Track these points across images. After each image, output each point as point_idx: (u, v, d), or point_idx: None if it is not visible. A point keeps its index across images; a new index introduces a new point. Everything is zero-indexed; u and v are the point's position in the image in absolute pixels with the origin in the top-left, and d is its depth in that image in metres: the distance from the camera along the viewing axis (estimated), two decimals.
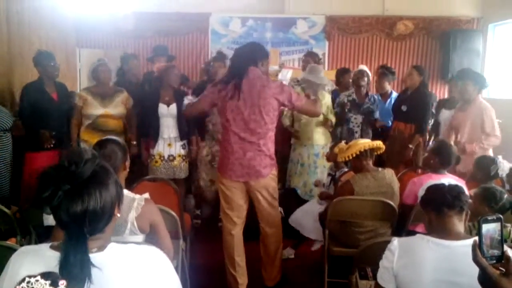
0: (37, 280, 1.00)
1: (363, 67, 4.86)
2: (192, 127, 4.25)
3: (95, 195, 1.16)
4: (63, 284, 1.01)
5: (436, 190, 1.83)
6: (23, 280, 1.01)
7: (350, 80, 5.11)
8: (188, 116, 3.51)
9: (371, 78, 4.85)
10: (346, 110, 4.65)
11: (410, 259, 1.68)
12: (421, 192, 1.95)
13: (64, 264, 1.10)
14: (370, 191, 2.92)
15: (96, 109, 4.00)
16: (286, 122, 4.49)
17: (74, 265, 1.10)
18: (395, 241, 1.75)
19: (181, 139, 4.19)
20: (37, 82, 4.02)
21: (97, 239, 1.23)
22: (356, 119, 4.69)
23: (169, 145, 4.15)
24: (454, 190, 1.78)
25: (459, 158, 3.11)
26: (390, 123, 4.93)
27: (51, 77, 4.02)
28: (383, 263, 1.76)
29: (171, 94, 4.13)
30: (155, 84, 4.26)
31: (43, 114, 3.93)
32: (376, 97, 4.85)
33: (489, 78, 4.10)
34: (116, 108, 4.07)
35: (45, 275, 1.03)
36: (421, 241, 1.71)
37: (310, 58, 5.06)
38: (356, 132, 4.65)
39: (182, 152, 4.22)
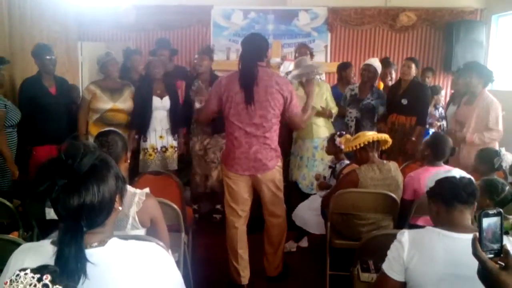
0: (26, 274, 1.00)
1: (372, 61, 4.70)
2: (180, 119, 4.27)
3: (93, 189, 1.15)
4: (46, 278, 1.01)
5: (448, 184, 1.78)
6: (14, 273, 1.01)
7: (352, 75, 5.09)
8: (202, 121, 3.44)
9: (379, 72, 4.75)
10: (346, 104, 4.63)
11: (421, 252, 1.66)
12: (429, 183, 1.88)
13: (59, 257, 1.10)
14: (374, 183, 2.93)
15: (105, 103, 4.01)
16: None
17: (69, 259, 1.09)
18: (406, 233, 1.73)
19: (172, 131, 4.23)
20: (35, 77, 4.01)
21: (98, 233, 1.23)
22: (351, 113, 4.65)
23: (160, 137, 4.18)
24: (469, 187, 1.75)
25: (454, 149, 3.11)
26: None
27: (47, 71, 3.99)
28: (392, 253, 1.74)
29: (163, 87, 4.17)
30: (147, 80, 4.26)
31: (41, 109, 3.93)
32: (382, 92, 4.79)
33: (493, 70, 4.07)
34: (125, 102, 4.08)
35: (38, 270, 1.02)
36: (432, 234, 1.70)
37: (305, 49, 5.01)
38: (351, 126, 4.62)
39: (174, 143, 4.28)
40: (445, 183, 1.80)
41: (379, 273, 1.80)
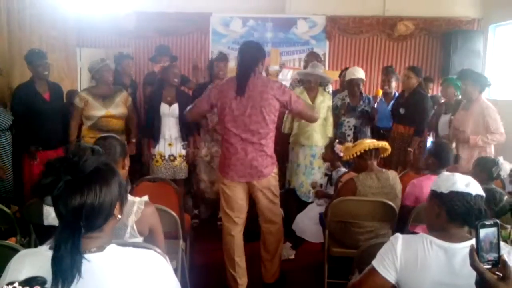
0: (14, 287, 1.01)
1: (359, 74, 4.60)
2: (191, 127, 4.26)
3: (95, 190, 1.17)
4: None
5: (463, 203, 1.64)
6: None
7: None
8: (189, 119, 3.47)
9: (363, 78, 4.69)
10: (341, 114, 4.63)
11: (412, 260, 1.65)
12: (440, 185, 1.71)
13: (55, 256, 1.11)
14: (372, 191, 2.92)
15: (98, 110, 3.98)
16: (286, 129, 4.45)
17: (65, 257, 1.10)
18: (399, 239, 1.69)
19: (183, 139, 4.20)
20: (29, 83, 4.01)
21: (96, 238, 1.23)
22: (349, 122, 4.63)
23: (169, 144, 4.17)
24: (481, 214, 1.64)
25: (457, 157, 3.13)
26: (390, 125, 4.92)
27: (41, 77, 3.98)
28: (385, 253, 1.70)
29: (174, 94, 4.15)
30: (159, 85, 4.26)
31: (35, 115, 3.93)
32: (370, 98, 4.77)
33: (490, 79, 4.11)
34: (117, 108, 4.05)
35: (25, 282, 1.03)
36: (424, 242, 1.66)
37: (313, 58, 5.03)
38: (349, 135, 4.60)
39: (183, 152, 4.23)
40: (460, 200, 1.65)
41: (366, 269, 1.75)
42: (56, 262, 1.10)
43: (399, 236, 1.72)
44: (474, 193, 1.65)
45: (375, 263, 1.71)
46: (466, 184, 1.67)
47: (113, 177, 1.24)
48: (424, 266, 1.62)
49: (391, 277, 1.67)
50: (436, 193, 1.74)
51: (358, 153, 2.99)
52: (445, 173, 1.76)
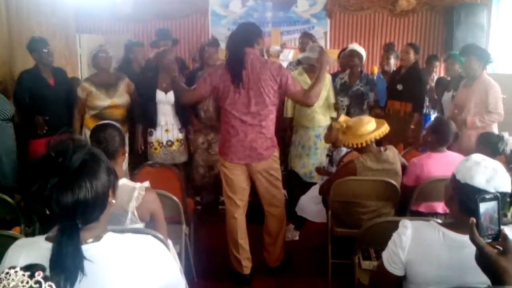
0: (16, 272, 1.01)
1: (354, 46, 4.61)
2: (188, 115, 4.22)
3: (86, 186, 1.14)
4: (39, 275, 1.01)
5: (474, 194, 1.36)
6: (3, 272, 1.01)
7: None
8: (186, 103, 3.41)
9: (364, 57, 4.64)
10: (336, 93, 4.60)
11: (421, 253, 1.56)
12: (461, 171, 1.51)
13: (56, 256, 1.10)
14: (372, 173, 2.90)
15: (103, 101, 3.95)
16: (288, 113, 4.43)
17: (67, 257, 1.09)
18: (409, 230, 1.59)
19: (180, 126, 4.18)
20: (34, 69, 4.01)
21: (93, 228, 1.22)
22: (342, 102, 4.57)
23: (166, 131, 4.12)
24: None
25: (457, 134, 3.08)
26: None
27: (46, 64, 3.99)
28: (391, 248, 1.62)
29: (169, 80, 4.08)
30: (153, 70, 4.16)
31: (40, 101, 3.94)
32: (372, 78, 4.67)
33: (494, 53, 4.05)
34: (121, 97, 4.01)
35: (27, 268, 1.03)
36: (436, 234, 1.55)
37: (308, 39, 4.98)
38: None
39: (180, 136, 4.19)
40: (474, 196, 1.35)
41: (379, 261, 1.72)
42: (57, 264, 1.09)
43: (408, 225, 1.61)
44: (492, 190, 1.43)
45: (385, 259, 1.65)
46: (487, 179, 1.45)
47: (100, 166, 1.21)
48: (436, 261, 1.54)
49: (399, 272, 1.62)
50: (454, 177, 1.55)
51: (364, 144, 2.93)
52: (473, 158, 1.52)
